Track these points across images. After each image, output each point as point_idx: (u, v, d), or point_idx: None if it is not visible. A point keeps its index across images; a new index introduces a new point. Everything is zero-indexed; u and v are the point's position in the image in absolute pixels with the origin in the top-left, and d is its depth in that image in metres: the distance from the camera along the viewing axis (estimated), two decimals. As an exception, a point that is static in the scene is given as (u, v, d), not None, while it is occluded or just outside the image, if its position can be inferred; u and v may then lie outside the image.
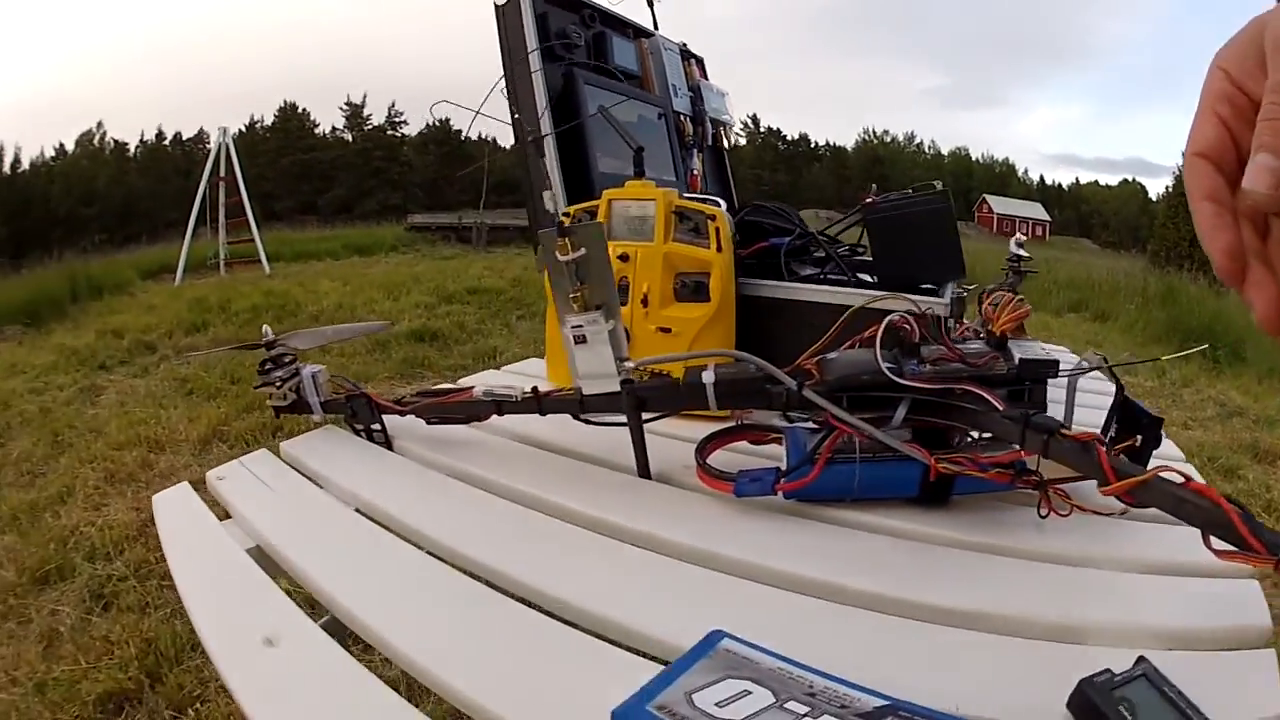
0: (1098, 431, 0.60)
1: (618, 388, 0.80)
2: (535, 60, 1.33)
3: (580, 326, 0.78)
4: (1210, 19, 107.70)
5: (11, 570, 2.15)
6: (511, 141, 1.26)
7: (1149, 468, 0.55)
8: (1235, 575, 0.60)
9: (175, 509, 0.83)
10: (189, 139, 35.41)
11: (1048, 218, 44.31)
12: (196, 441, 3.06)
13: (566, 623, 0.57)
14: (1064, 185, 53.79)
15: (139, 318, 6.01)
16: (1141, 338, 5.91)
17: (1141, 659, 0.45)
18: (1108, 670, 0.43)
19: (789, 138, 49.30)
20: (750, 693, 0.38)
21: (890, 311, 0.71)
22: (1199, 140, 0.33)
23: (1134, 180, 51.61)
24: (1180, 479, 0.52)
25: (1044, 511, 0.67)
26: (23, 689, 1.63)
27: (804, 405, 0.72)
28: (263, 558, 0.71)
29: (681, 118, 1.83)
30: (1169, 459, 0.73)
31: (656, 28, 1.86)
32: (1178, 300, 6.79)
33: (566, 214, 1.14)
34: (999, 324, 0.73)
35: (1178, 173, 19.93)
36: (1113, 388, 0.71)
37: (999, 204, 43.36)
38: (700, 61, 2.07)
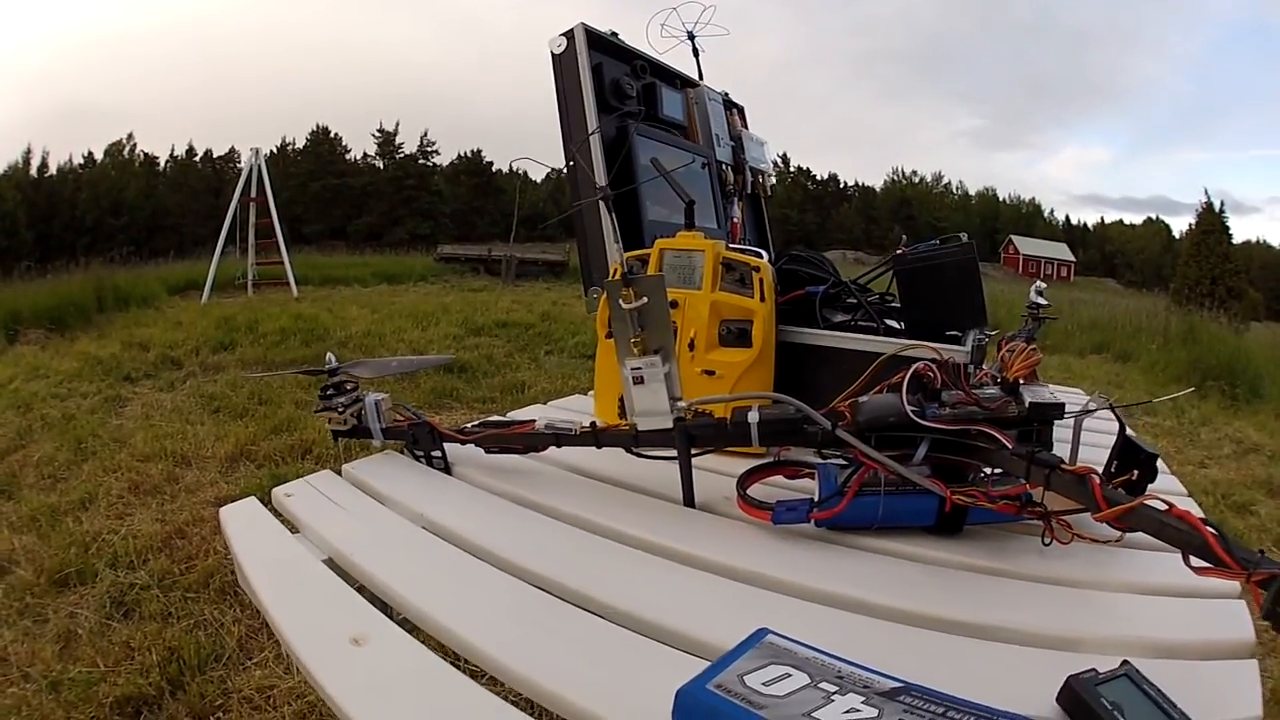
0: (1097, 467, 0.65)
1: (670, 425, 0.87)
2: (593, 117, 1.39)
3: (639, 369, 0.85)
4: (1235, 60, 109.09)
5: (29, 570, 2.17)
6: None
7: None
8: (1223, 595, 0.66)
9: (245, 521, 0.88)
10: (219, 157, 35.63)
11: (1072, 258, 43.87)
12: (224, 459, 3.09)
13: (625, 628, 0.63)
14: (1089, 225, 52.79)
15: (166, 332, 6.09)
16: (1162, 377, 5.87)
17: (1125, 662, 0.50)
18: (1093, 669, 0.50)
19: (819, 177, 48.43)
20: (790, 675, 0.45)
21: (916, 359, 0.78)
22: None
23: (1158, 219, 50.33)
24: (1164, 506, 0.57)
25: (1047, 540, 0.73)
26: (36, 685, 1.65)
27: (837, 443, 0.80)
28: (337, 568, 0.75)
29: (724, 167, 1.87)
30: (1167, 491, 0.79)
31: (701, 77, 1.91)
32: (1198, 339, 6.78)
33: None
34: (1012, 371, 0.79)
35: (1200, 209, 19.46)
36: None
37: (1025, 245, 42.96)
38: (741, 110, 2.13)
